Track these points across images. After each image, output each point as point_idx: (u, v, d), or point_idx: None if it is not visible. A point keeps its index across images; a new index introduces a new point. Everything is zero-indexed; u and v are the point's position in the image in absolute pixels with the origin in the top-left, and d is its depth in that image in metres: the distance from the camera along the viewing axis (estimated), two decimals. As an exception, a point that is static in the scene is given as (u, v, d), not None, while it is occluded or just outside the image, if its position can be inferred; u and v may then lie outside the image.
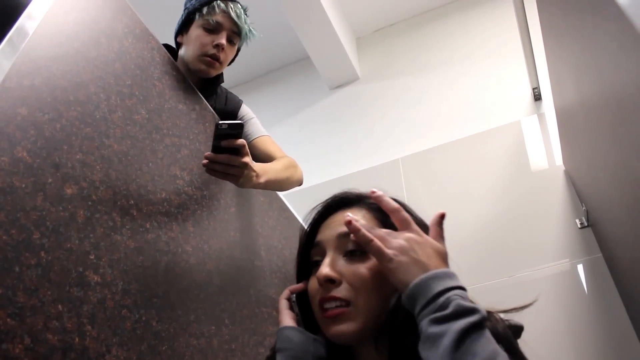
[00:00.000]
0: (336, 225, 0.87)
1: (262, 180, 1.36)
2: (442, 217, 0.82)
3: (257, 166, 1.33)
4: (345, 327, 0.78)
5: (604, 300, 1.66)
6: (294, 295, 0.90)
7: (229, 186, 1.57)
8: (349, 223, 0.79)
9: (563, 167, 2.05)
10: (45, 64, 1.00)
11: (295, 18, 2.86)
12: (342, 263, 0.83)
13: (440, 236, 0.80)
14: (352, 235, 0.80)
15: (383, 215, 0.87)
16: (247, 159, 1.26)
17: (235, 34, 1.58)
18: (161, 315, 1.10)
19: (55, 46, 1.05)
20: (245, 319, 1.41)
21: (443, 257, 0.77)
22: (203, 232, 1.37)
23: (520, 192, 2.07)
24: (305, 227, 0.95)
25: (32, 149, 0.91)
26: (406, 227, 0.79)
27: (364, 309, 0.79)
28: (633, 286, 1.40)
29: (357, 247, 0.82)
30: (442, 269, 0.73)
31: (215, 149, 1.22)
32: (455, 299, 0.68)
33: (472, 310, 0.67)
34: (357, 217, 0.85)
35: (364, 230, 0.78)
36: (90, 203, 1.01)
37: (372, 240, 0.76)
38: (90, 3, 1.20)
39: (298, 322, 0.88)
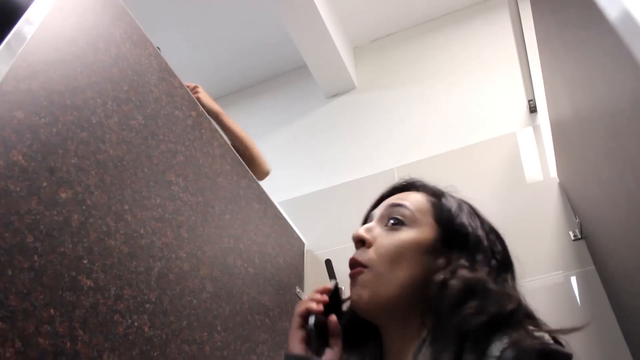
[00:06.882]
0: (392, 199, 0.88)
1: (215, 107, 1.52)
2: None
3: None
4: (360, 292, 0.79)
5: (596, 312, 1.66)
6: (314, 318, 0.81)
7: (224, 193, 1.57)
8: None
9: (557, 180, 2.05)
10: (43, 68, 1.01)
11: (293, 27, 2.87)
12: (379, 230, 0.83)
13: None
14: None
15: (434, 196, 0.88)
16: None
17: None
18: (153, 321, 1.10)
19: (53, 51, 1.05)
20: (238, 326, 1.41)
21: None
22: (197, 238, 1.37)
23: (514, 203, 2.08)
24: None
25: (28, 152, 0.91)
26: None
27: (380, 277, 0.78)
28: (625, 299, 1.41)
29: (398, 219, 0.83)
30: None
31: None
32: None
33: None
34: (407, 196, 0.87)
35: None
36: (84, 207, 1.01)
37: None
38: (89, 8, 1.21)
39: (308, 340, 0.81)
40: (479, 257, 0.81)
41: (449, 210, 0.85)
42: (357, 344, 0.84)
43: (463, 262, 0.79)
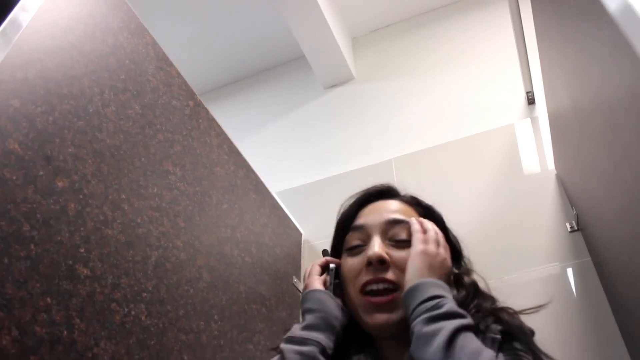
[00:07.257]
0: (382, 211, 0.91)
1: None
2: None
3: None
4: (390, 316, 0.80)
5: (592, 303, 1.67)
6: (334, 266, 0.91)
7: (221, 183, 1.57)
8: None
9: (555, 171, 2.05)
10: (39, 56, 1.00)
11: (292, 17, 2.85)
12: (388, 248, 0.85)
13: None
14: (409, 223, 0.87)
15: (421, 208, 0.95)
16: None
17: None
18: (150, 310, 1.10)
19: (50, 39, 1.04)
20: (234, 315, 1.41)
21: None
22: (194, 228, 1.37)
23: (511, 195, 2.08)
24: (343, 212, 0.99)
25: (24, 141, 0.91)
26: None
27: None
28: (620, 290, 1.41)
29: (406, 237, 0.86)
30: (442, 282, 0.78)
31: None
32: (448, 303, 0.73)
33: (463, 315, 0.72)
34: (397, 207, 0.92)
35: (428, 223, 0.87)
36: (81, 196, 1.01)
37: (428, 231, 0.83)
38: (86, -4, 1.20)
39: (327, 289, 0.89)
40: (460, 260, 0.94)
41: (443, 225, 0.94)
42: (352, 352, 0.86)
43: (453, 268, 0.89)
